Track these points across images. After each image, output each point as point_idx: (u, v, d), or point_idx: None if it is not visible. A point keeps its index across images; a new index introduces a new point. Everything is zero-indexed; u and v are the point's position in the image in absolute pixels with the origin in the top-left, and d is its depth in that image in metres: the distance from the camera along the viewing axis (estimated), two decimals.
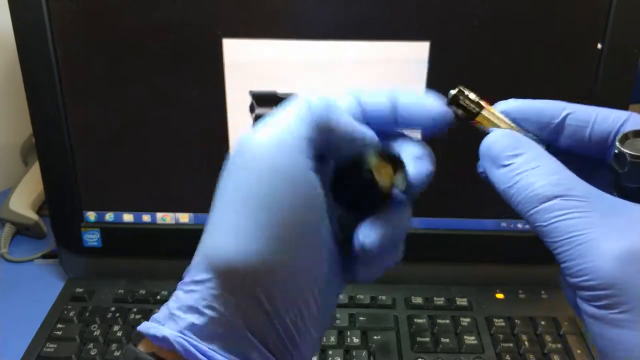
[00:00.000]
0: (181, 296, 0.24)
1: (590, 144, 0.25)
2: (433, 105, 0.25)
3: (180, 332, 0.23)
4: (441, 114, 0.25)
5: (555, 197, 0.22)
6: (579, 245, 0.21)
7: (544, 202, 0.22)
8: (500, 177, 0.24)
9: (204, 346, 0.23)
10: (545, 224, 0.22)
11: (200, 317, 0.23)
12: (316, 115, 0.23)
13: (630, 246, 0.20)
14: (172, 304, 0.24)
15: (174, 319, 0.23)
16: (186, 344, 0.22)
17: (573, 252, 0.21)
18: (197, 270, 0.24)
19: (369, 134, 0.25)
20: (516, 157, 0.24)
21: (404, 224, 0.26)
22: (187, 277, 0.24)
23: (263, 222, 0.22)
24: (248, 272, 0.22)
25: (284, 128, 0.23)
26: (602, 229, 0.21)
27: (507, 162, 0.24)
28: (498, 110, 0.26)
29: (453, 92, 0.26)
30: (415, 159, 0.25)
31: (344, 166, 0.25)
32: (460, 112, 0.26)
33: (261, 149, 0.23)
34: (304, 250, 0.23)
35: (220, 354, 0.23)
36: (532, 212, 0.22)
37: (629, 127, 0.24)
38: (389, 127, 0.26)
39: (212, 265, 0.23)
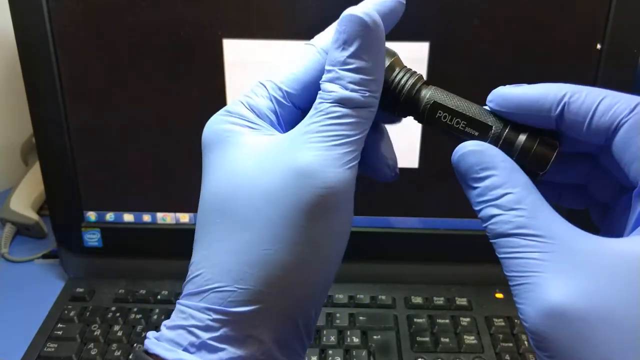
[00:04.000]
0: (209, 322, 0.23)
1: (589, 137, 0.23)
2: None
3: None
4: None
5: (511, 234, 0.22)
6: (523, 285, 0.21)
7: (499, 238, 0.22)
8: (468, 195, 0.24)
9: None
10: (499, 255, 0.22)
11: (245, 350, 0.23)
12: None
13: (561, 301, 0.20)
14: (200, 331, 0.23)
15: (207, 348, 0.23)
16: None
17: (518, 289, 0.21)
18: (233, 299, 0.23)
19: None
20: (483, 180, 0.23)
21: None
22: (213, 299, 0.23)
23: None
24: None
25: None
26: (545, 275, 0.21)
27: (474, 185, 0.23)
28: (493, 98, 0.25)
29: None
30: None
31: None
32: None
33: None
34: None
35: None
36: (491, 240, 0.23)
37: (635, 118, 0.22)
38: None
39: (253, 297, 0.23)
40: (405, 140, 0.49)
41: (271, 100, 0.25)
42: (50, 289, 0.55)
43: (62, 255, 0.56)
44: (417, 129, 0.49)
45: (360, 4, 0.25)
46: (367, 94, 0.23)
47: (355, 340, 0.48)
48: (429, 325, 0.50)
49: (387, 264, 0.55)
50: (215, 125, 0.26)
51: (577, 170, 0.27)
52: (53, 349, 0.47)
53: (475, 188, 0.23)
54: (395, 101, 0.25)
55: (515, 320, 0.50)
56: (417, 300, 0.53)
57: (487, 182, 0.23)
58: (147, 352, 0.24)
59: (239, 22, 0.47)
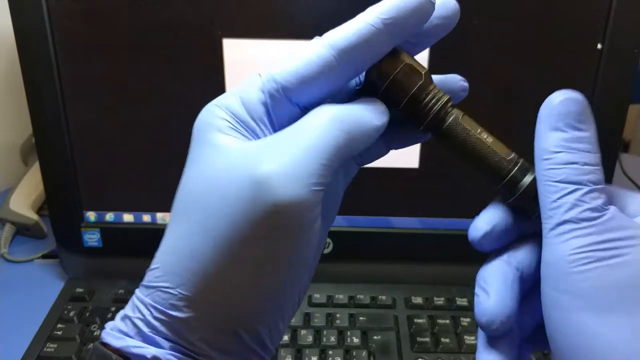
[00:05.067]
0: (150, 319, 0.23)
1: None
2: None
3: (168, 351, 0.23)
4: None
5: (582, 185, 0.22)
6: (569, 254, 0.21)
7: (570, 184, 0.22)
8: (546, 136, 0.23)
9: None
10: (550, 206, 0.22)
11: (185, 353, 0.23)
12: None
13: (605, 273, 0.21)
14: (142, 325, 0.23)
15: (150, 340, 0.23)
16: None
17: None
18: (173, 302, 0.23)
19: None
20: (578, 130, 0.22)
21: None
22: (167, 292, 0.23)
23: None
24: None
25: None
26: (592, 246, 0.21)
27: (566, 129, 0.22)
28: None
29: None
30: None
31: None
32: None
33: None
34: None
35: None
36: (552, 195, 0.22)
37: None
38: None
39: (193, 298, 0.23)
40: None
41: (263, 92, 0.24)
42: (50, 289, 0.55)
43: (62, 255, 0.56)
44: None
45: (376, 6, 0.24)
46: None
47: (356, 340, 0.48)
48: (429, 325, 0.50)
49: (387, 264, 0.55)
50: (204, 116, 0.25)
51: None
52: (53, 349, 0.47)
53: (564, 131, 0.22)
54: (424, 117, 0.25)
55: None
56: (417, 300, 0.53)
57: (581, 134, 0.22)
58: (102, 343, 0.24)
59: (239, 22, 0.47)
